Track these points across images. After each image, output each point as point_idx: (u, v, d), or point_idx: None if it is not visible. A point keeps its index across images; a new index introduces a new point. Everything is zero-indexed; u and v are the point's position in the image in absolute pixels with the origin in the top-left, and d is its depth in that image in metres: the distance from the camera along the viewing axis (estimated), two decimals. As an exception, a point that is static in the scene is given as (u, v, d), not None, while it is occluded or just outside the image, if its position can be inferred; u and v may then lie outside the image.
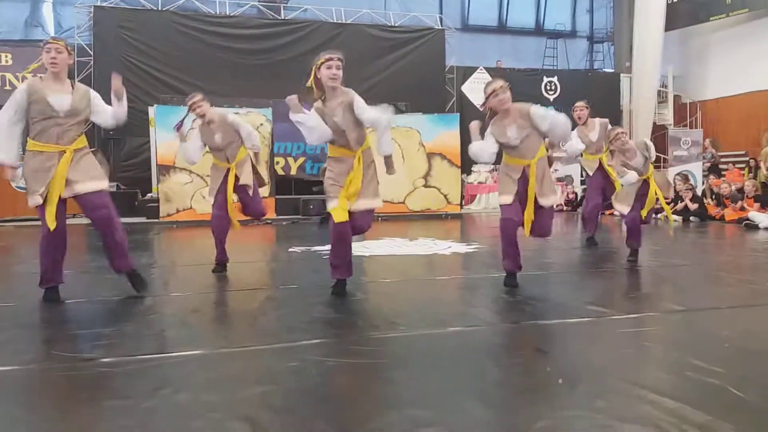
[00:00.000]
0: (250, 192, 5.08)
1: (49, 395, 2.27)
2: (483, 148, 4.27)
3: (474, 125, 4.33)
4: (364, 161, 3.93)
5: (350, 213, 3.87)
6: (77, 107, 3.86)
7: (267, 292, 4.36)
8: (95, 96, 4.05)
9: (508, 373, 2.45)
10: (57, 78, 3.86)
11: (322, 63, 3.78)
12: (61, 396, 2.27)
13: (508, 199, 4.15)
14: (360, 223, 3.97)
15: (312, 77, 3.85)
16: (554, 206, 4.33)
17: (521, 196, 4.15)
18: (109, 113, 4.09)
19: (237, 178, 4.98)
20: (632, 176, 5.26)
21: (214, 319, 3.57)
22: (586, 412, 2.05)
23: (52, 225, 3.71)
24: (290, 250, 6.60)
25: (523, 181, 4.14)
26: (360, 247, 6.54)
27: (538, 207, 4.16)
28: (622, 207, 5.54)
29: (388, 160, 4.06)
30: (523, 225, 4.18)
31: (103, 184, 3.90)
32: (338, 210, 3.81)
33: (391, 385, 2.36)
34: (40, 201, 3.75)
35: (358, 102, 3.87)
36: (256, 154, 5.43)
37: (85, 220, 8.88)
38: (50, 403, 2.19)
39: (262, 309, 3.80)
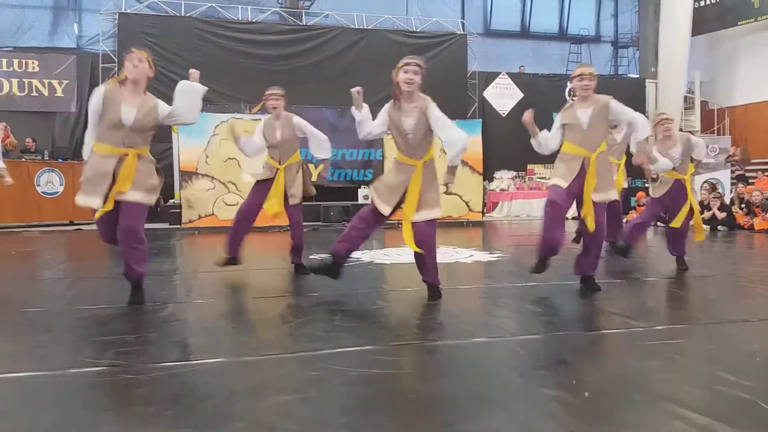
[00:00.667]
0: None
1: (73, 401, 2.29)
2: (550, 137, 4.34)
3: (528, 115, 4.33)
4: (424, 173, 3.91)
5: (412, 224, 3.90)
6: (141, 123, 3.97)
7: (288, 300, 4.36)
8: (163, 109, 4.19)
9: (533, 385, 2.41)
10: (135, 88, 4.00)
11: (401, 67, 3.82)
12: (85, 402, 2.28)
13: (561, 182, 4.16)
14: (421, 237, 3.90)
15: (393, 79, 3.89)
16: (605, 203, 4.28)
17: (576, 190, 4.18)
18: (179, 112, 4.34)
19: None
20: (665, 163, 5.21)
21: (237, 327, 3.57)
22: (613, 427, 2.00)
23: (98, 215, 3.77)
24: (311, 257, 6.60)
25: (580, 176, 4.15)
26: (381, 255, 6.53)
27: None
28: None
29: (452, 170, 3.98)
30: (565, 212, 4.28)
31: (150, 199, 3.96)
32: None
33: (414, 395, 2.33)
34: (95, 206, 3.75)
35: (436, 113, 3.85)
36: (307, 165, 5.55)
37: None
38: (75, 410, 2.20)
39: (284, 317, 3.80)
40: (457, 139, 3.84)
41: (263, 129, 5.20)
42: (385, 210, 3.94)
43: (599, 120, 4.19)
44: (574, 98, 4.39)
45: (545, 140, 4.39)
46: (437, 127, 3.85)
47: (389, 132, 4.06)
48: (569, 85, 4.51)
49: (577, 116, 4.20)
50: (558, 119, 4.35)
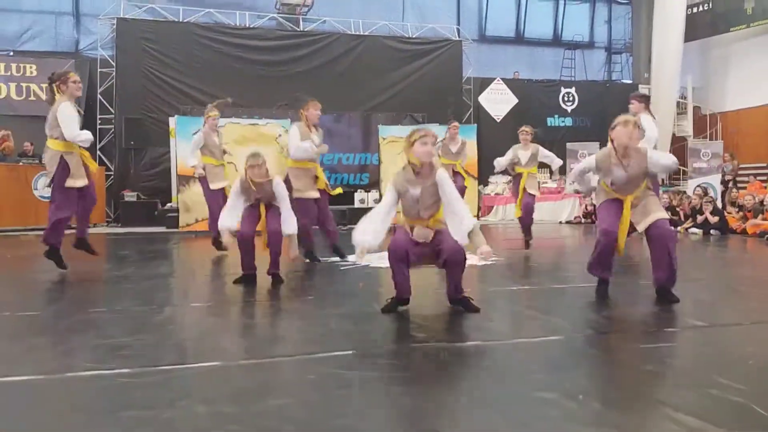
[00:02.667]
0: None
1: (69, 405, 2.30)
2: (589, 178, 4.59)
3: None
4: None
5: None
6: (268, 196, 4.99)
7: (285, 304, 4.37)
8: None
9: (527, 388, 2.43)
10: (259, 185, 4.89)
11: (416, 140, 3.78)
12: (81, 406, 2.29)
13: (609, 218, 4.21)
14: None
15: (407, 151, 3.85)
16: (666, 219, 4.25)
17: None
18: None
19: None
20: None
21: (234, 331, 3.58)
22: (608, 429, 2.02)
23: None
24: (308, 261, 6.62)
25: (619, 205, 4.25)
26: (377, 259, 6.54)
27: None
28: None
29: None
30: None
31: None
32: None
33: (410, 398, 2.35)
34: None
35: (449, 189, 3.82)
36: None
37: (105, 230, 8.89)
38: (71, 414, 2.21)
39: (281, 320, 3.81)
40: (468, 225, 3.78)
41: (300, 137, 6.17)
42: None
43: (634, 172, 4.23)
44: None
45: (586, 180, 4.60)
46: (449, 201, 3.81)
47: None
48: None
49: (613, 173, 4.24)
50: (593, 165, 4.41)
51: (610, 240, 4.19)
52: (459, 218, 3.75)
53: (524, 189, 7.72)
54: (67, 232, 5.61)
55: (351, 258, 6.59)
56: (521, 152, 7.76)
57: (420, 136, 3.78)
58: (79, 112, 5.53)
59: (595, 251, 4.32)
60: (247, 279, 4.98)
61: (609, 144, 4.27)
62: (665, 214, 4.26)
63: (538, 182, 8.44)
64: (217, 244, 7.19)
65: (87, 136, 5.45)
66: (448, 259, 3.78)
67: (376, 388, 2.48)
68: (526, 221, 7.86)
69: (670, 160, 4.33)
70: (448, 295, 3.96)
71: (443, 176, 3.81)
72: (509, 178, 14.98)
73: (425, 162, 3.79)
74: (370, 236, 3.81)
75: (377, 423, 2.11)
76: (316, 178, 6.36)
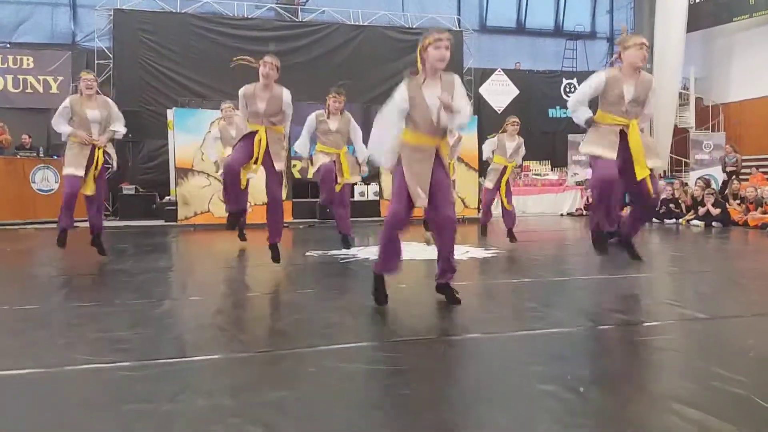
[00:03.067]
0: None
1: (69, 399, 2.29)
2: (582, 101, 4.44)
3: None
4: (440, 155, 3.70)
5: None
6: (272, 108, 4.99)
7: (284, 297, 4.36)
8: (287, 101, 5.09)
9: (528, 381, 2.42)
10: (266, 87, 5.03)
11: (430, 43, 3.56)
12: (80, 400, 2.28)
13: (610, 153, 4.18)
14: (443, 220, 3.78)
15: (418, 56, 3.66)
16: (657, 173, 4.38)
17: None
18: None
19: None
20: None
21: (232, 324, 3.57)
22: (608, 421, 2.01)
23: None
24: (307, 254, 6.61)
25: (622, 146, 4.20)
26: (377, 252, 6.53)
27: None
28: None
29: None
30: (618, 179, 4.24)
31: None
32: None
33: (410, 391, 2.33)
34: None
35: (460, 90, 3.68)
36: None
37: (104, 223, 8.85)
38: (70, 407, 2.20)
39: (280, 313, 3.80)
40: (463, 117, 3.65)
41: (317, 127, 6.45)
42: (424, 201, 3.63)
43: (640, 96, 4.30)
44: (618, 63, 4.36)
45: (580, 104, 4.51)
46: (456, 100, 3.62)
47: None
48: (617, 55, 4.39)
49: (623, 89, 4.26)
50: (594, 85, 4.37)
51: (607, 185, 4.22)
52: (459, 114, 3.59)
53: (506, 183, 7.65)
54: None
55: (352, 251, 6.59)
56: (507, 143, 7.69)
57: (434, 39, 3.55)
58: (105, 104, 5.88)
59: (595, 203, 4.34)
60: (236, 217, 5.03)
61: (613, 67, 4.34)
62: (661, 163, 4.27)
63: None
64: (241, 234, 7.47)
65: (60, 129, 5.77)
66: (440, 224, 3.73)
67: (377, 381, 2.47)
68: (509, 224, 7.72)
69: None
70: (439, 270, 3.84)
71: (457, 80, 3.68)
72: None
73: (438, 68, 3.60)
74: (389, 157, 3.67)
75: (377, 416, 2.10)
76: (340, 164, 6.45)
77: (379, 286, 3.78)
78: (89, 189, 5.70)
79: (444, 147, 3.73)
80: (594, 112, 4.46)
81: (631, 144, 4.21)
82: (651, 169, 4.24)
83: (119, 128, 5.92)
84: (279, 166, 4.97)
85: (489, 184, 7.75)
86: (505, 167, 7.63)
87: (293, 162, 12.75)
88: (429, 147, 3.64)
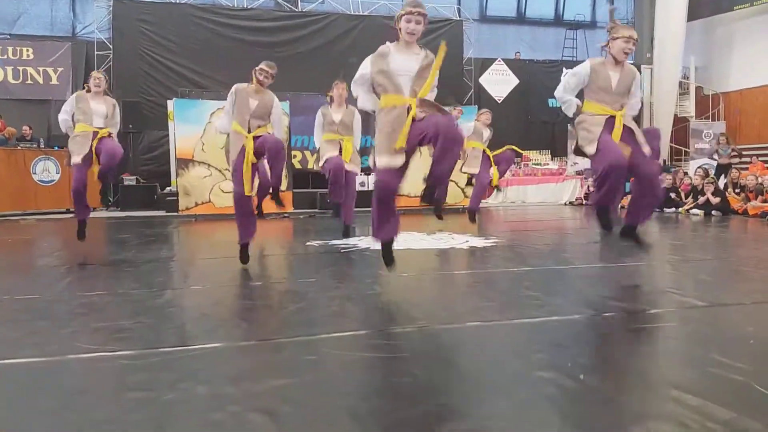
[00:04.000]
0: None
1: (70, 387, 2.30)
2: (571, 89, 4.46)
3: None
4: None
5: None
6: (260, 111, 4.96)
7: (285, 286, 4.37)
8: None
9: (528, 368, 2.43)
10: (258, 91, 5.01)
11: (403, 15, 3.68)
12: (83, 388, 2.29)
13: (591, 148, 4.16)
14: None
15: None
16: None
17: None
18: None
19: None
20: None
21: (234, 313, 3.58)
22: (608, 408, 2.02)
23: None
24: (308, 243, 6.62)
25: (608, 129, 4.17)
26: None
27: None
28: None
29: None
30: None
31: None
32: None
33: (411, 379, 2.34)
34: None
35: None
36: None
37: (105, 214, 8.86)
38: (71, 396, 2.21)
39: (281, 302, 3.81)
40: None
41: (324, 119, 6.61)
42: (399, 160, 3.68)
43: (623, 87, 4.28)
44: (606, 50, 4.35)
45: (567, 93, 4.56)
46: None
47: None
48: (606, 46, 4.36)
49: (609, 77, 4.25)
50: (580, 73, 4.37)
51: (620, 173, 4.10)
52: None
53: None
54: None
55: (353, 241, 6.59)
56: (485, 131, 7.88)
57: (407, 11, 3.66)
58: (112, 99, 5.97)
59: (602, 188, 4.17)
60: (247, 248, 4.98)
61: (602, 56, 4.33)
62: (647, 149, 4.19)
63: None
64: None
65: (61, 118, 5.86)
66: (443, 134, 3.55)
67: (377, 369, 2.48)
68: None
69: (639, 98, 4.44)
70: (434, 177, 3.76)
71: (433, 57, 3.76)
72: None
73: (408, 41, 3.71)
74: (369, 104, 3.84)
75: (378, 404, 2.11)
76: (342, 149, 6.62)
77: (386, 251, 3.89)
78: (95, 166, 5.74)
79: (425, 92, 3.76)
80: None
81: (613, 136, 4.14)
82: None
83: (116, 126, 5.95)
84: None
85: (474, 169, 7.81)
86: (483, 151, 7.81)
87: (293, 153, 12.75)
88: (400, 106, 3.70)
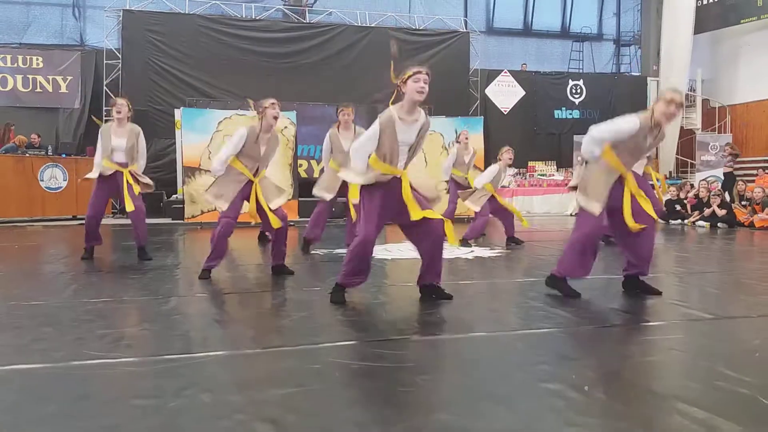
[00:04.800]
0: None
1: (76, 394, 2.30)
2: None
3: None
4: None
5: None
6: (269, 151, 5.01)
7: (290, 294, 4.37)
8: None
9: (533, 379, 2.43)
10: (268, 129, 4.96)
11: (410, 76, 3.71)
12: (87, 395, 2.30)
13: (597, 208, 3.92)
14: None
15: (396, 90, 3.81)
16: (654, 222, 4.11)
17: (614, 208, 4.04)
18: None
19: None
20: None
21: (239, 321, 3.59)
22: (613, 421, 2.02)
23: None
24: (313, 252, 6.62)
25: (618, 188, 4.00)
26: (382, 251, 6.55)
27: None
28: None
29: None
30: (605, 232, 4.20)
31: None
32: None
33: (415, 388, 2.35)
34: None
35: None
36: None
37: (111, 221, 8.86)
38: (77, 402, 2.22)
39: (286, 311, 3.82)
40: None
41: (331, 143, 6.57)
42: (381, 226, 3.84)
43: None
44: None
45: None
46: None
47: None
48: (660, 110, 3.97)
49: (647, 141, 4.03)
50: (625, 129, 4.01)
51: (592, 240, 4.08)
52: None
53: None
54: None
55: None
56: (504, 173, 7.74)
57: (414, 72, 3.71)
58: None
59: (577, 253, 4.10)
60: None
61: (647, 113, 4.01)
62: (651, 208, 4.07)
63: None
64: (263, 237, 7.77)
65: (96, 161, 5.86)
66: (435, 240, 3.81)
67: (381, 378, 2.48)
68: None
69: None
70: (427, 277, 3.93)
71: (428, 120, 3.85)
72: (515, 170, 15.02)
73: (417, 100, 3.73)
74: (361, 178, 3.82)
75: (382, 413, 2.11)
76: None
77: (338, 293, 3.89)
78: (128, 206, 5.80)
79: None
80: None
81: (624, 199, 3.99)
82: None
83: (139, 165, 5.94)
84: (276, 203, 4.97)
85: (476, 207, 7.55)
86: (492, 195, 7.59)
87: (299, 162, 12.78)
88: (392, 177, 3.78)
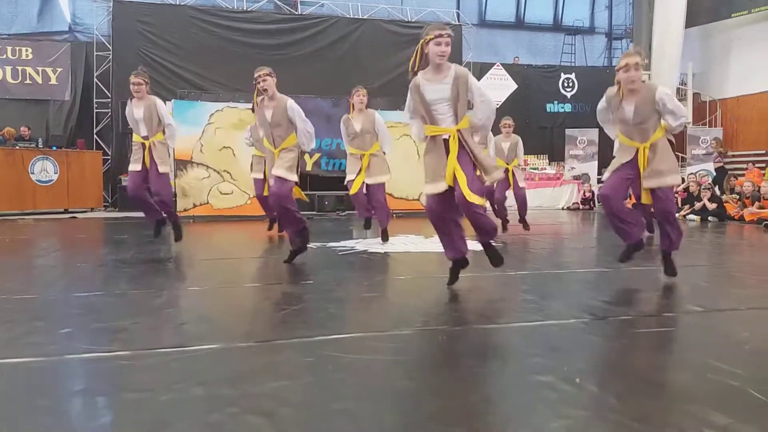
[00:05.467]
0: None
1: (67, 388, 2.30)
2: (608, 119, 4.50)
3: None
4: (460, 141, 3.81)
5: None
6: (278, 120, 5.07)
7: (284, 287, 4.37)
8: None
9: (526, 372, 2.44)
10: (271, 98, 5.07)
11: (431, 39, 3.67)
12: (80, 389, 2.29)
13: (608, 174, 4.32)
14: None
15: (418, 53, 3.78)
16: (672, 188, 4.30)
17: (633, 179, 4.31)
18: None
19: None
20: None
21: (232, 314, 3.59)
22: (604, 413, 2.03)
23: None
24: (306, 245, 6.61)
25: (634, 163, 4.23)
26: (375, 244, 6.55)
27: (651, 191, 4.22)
28: None
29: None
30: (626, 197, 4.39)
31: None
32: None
33: (409, 381, 2.35)
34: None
35: (475, 85, 3.84)
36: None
37: (103, 214, 8.90)
38: (69, 396, 2.21)
39: (279, 304, 3.82)
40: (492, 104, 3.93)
41: (346, 127, 6.69)
42: (441, 187, 3.81)
43: (644, 114, 4.18)
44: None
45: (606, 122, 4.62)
46: (475, 95, 3.83)
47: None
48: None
49: (624, 111, 4.23)
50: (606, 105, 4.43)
51: (609, 205, 4.31)
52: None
53: (514, 183, 7.85)
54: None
55: (350, 243, 6.59)
56: (503, 143, 7.86)
57: (435, 35, 3.66)
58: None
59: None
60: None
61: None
62: (671, 180, 4.18)
63: (523, 171, 8.49)
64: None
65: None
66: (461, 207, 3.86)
67: (375, 371, 2.48)
68: (523, 212, 8.10)
69: (680, 110, 4.15)
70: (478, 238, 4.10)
71: (470, 79, 3.80)
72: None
73: (438, 62, 3.72)
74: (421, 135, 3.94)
75: (375, 406, 2.11)
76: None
77: (453, 267, 4.09)
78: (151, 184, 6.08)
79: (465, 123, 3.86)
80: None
81: (641, 170, 4.22)
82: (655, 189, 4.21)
83: (167, 133, 6.18)
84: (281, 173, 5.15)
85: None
86: (506, 169, 7.62)
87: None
88: (438, 137, 3.84)
